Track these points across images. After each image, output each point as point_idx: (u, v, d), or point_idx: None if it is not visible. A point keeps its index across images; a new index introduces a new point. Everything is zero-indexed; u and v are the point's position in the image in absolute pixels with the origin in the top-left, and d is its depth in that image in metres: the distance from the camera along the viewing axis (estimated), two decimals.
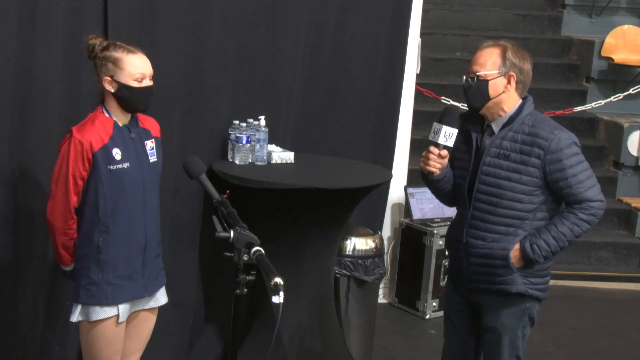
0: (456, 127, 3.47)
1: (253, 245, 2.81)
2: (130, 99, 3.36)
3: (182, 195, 4.46)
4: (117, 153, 3.35)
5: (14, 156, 3.88)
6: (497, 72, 3.42)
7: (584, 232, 3.46)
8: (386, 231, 6.01)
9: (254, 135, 4.57)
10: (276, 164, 4.62)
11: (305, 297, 4.56)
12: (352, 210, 4.68)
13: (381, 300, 5.88)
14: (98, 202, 3.34)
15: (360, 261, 4.89)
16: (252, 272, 2.83)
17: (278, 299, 2.60)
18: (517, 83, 3.45)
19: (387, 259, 5.78)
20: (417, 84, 6.14)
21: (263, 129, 4.60)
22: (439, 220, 5.92)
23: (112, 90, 3.35)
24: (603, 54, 8.17)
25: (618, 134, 7.60)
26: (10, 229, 3.94)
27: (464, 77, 3.49)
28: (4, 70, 3.78)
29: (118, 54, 3.34)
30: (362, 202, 4.78)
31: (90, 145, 3.29)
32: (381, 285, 5.71)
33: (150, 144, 3.49)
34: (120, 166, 3.35)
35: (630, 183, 7.57)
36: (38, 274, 4.02)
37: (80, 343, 3.54)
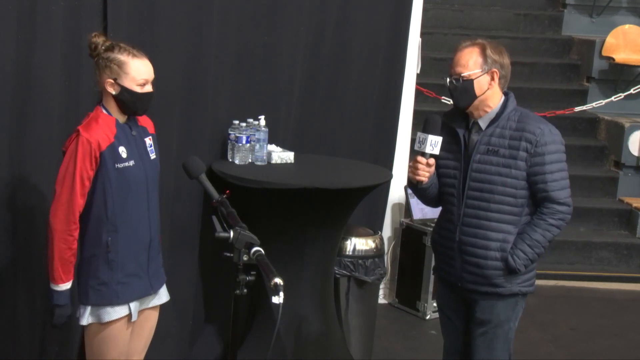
0: (440, 135, 3.52)
1: (253, 245, 2.81)
2: (131, 103, 3.35)
3: (181, 196, 4.46)
4: (123, 151, 3.34)
5: (14, 156, 3.87)
6: (480, 70, 3.49)
7: (555, 236, 3.54)
8: (386, 231, 6.00)
9: (254, 135, 4.56)
10: (276, 164, 4.62)
11: (305, 298, 4.56)
12: (352, 210, 4.68)
13: (381, 300, 5.88)
14: (106, 202, 3.32)
15: (360, 261, 4.89)
16: (252, 272, 2.83)
17: (278, 299, 2.60)
18: (500, 78, 3.52)
19: (387, 259, 5.77)
20: (417, 83, 6.14)
21: (263, 129, 4.59)
22: None
23: (114, 93, 3.33)
24: (604, 53, 8.17)
25: (619, 134, 7.59)
26: (10, 228, 3.93)
27: (447, 79, 3.54)
28: (3, 70, 3.77)
29: (123, 57, 3.30)
30: (362, 202, 4.77)
31: (98, 144, 3.27)
32: (381, 286, 5.71)
33: (148, 142, 3.49)
34: (126, 164, 3.34)
35: (631, 183, 7.57)
36: (38, 274, 4.01)
37: (86, 345, 3.49)
